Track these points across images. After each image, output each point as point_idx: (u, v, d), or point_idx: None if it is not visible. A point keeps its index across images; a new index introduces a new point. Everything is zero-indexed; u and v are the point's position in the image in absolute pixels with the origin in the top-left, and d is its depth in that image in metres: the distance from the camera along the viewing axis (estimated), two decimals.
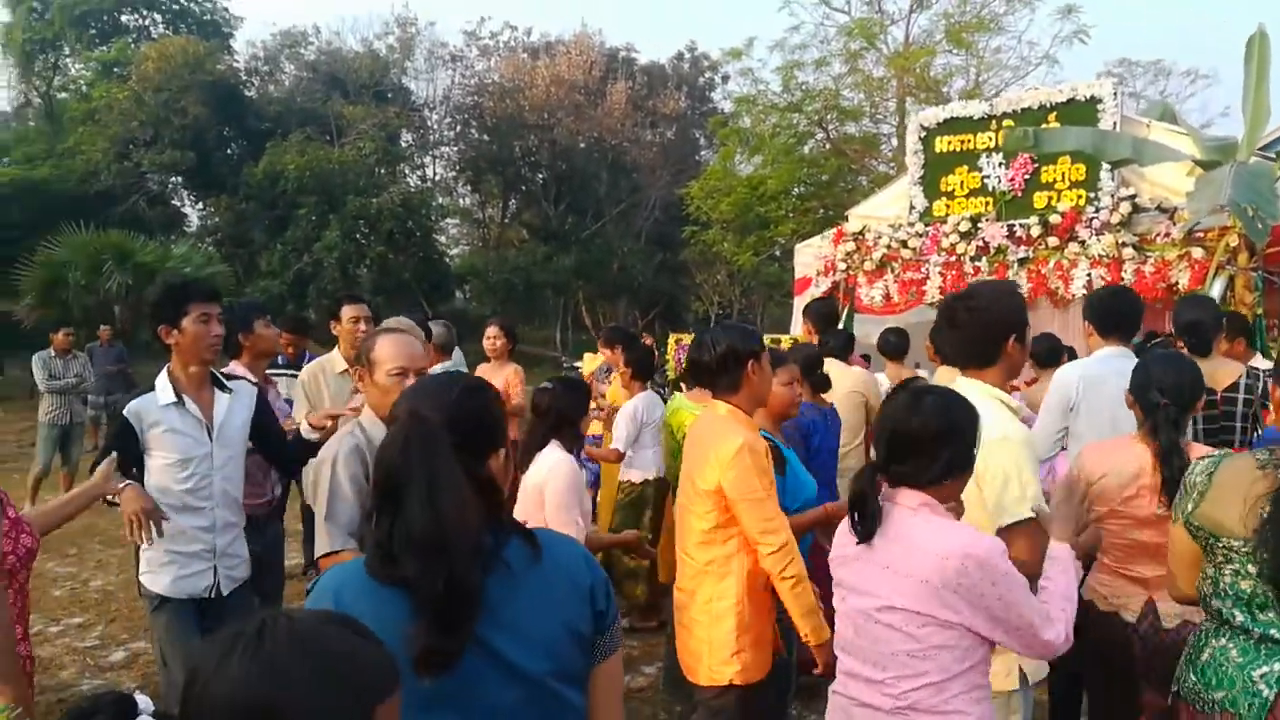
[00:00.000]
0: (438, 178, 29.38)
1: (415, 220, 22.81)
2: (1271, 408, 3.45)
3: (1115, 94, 7.28)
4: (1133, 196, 7.07)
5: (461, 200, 30.02)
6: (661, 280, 26.91)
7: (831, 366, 4.80)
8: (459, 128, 28.61)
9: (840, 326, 8.64)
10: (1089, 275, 7.08)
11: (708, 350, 2.84)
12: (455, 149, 28.87)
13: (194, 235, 23.17)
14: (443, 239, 27.73)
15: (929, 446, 2.03)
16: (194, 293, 3.16)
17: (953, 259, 7.83)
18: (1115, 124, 7.12)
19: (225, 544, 3.23)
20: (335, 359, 4.81)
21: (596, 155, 26.98)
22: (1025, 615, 1.94)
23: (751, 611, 2.80)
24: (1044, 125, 7.26)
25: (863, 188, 18.37)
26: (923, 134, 8.18)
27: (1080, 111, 7.25)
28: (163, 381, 3.15)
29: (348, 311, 4.77)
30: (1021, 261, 7.48)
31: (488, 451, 1.57)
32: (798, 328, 8.71)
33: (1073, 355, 5.44)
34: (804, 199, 19.40)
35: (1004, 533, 2.32)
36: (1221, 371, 4.10)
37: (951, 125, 8.04)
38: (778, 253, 20.07)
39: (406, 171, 27.14)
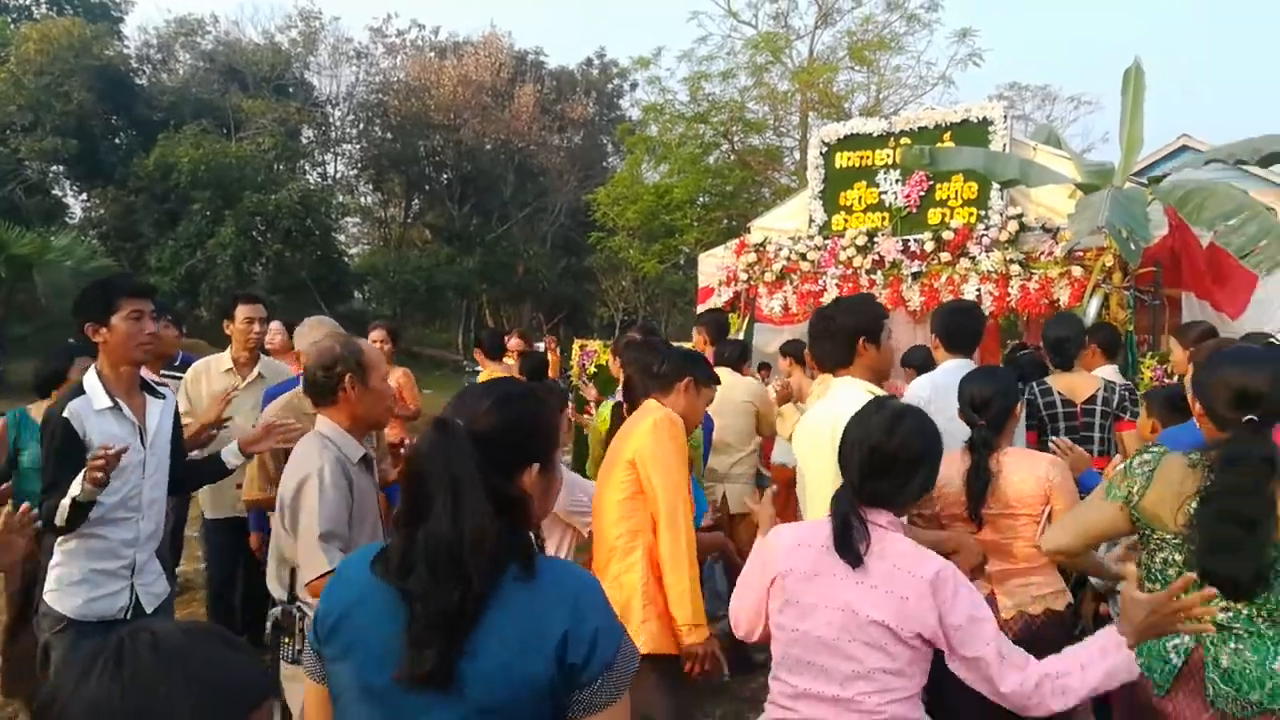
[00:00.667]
0: (339, 175, 28.72)
1: (314, 218, 22.21)
2: (1135, 419, 3.70)
3: (1005, 117, 7.57)
4: (1020, 216, 7.36)
5: (363, 199, 29.39)
6: (567, 285, 26.87)
7: (724, 376, 4.88)
8: (362, 125, 28.03)
9: (742, 336, 8.82)
10: (978, 290, 7.34)
11: (658, 362, 3.19)
12: (358, 147, 28.26)
13: (77, 227, 22.03)
14: (342, 238, 27.09)
15: (907, 468, 2.09)
16: (125, 287, 2.94)
17: (849, 272, 8.01)
18: (1005, 146, 7.40)
19: (145, 559, 3.00)
20: (223, 358, 4.67)
21: (503, 157, 26.78)
22: (989, 633, 2.00)
23: (657, 586, 2.88)
24: (939, 144, 7.51)
25: (766, 200, 18.72)
26: (823, 149, 8.36)
27: (973, 132, 7.52)
28: (93, 383, 2.91)
29: (243, 311, 4.62)
30: (915, 276, 7.70)
31: (519, 465, 1.50)
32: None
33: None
34: (709, 209, 19.66)
35: None
36: (1081, 384, 4.39)
37: (851, 141, 8.24)
38: (682, 261, 20.28)
39: (307, 168, 26.43)
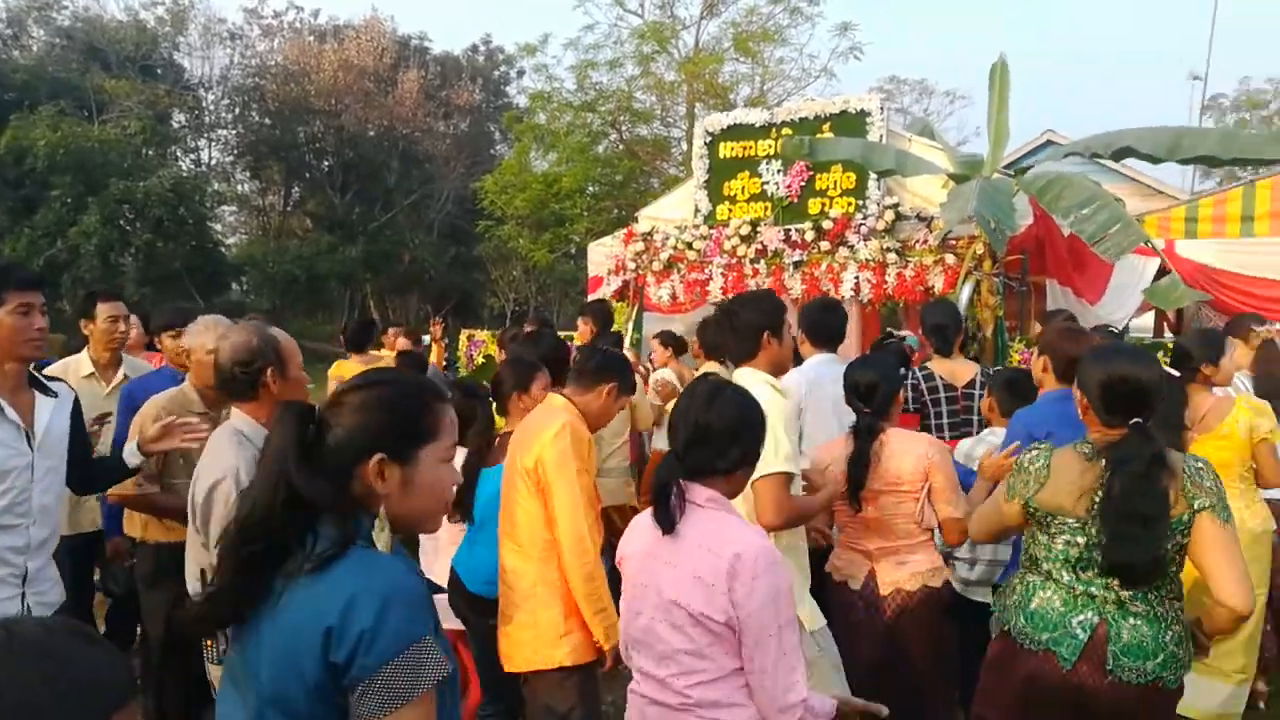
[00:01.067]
0: (214, 162, 27.54)
1: (188, 207, 21.21)
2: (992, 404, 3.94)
3: (882, 108, 7.80)
4: (896, 205, 7.61)
5: (240, 187, 28.29)
6: (455, 275, 26.45)
7: None
8: (238, 110, 26.92)
9: (632, 325, 8.88)
10: (856, 278, 7.56)
11: (594, 358, 3.18)
12: (233, 132, 27.14)
13: None
14: (219, 227, 25.99)
15: (724, 438, 2.16)
16: (11, 278, 2.70)
17: (734, 261, 8.14)
18: (882, 137, 7.63)
19: (38, 567, 2.78)
20: (82, 361, 4.35)
21: (387, 144, 26.16)
22: (770, 638, 1.98)
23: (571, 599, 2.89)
24: (818, 135, 7.69)
25: (655, 190, 18.81)
26: (707, 139, 8.46)
27: (851, 123, 7.73)
28: None
29: (105, 309, 4.33)
30: (796, 265, 7.88)
31: (356, 455, 1.48)
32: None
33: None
34: (598, 198, 19.65)
35: (757, 483, 2.71)
36: (961, 369, 4.58)
37: (734, 132, 8.36)
38: (573, 251, 20.23)
39: (178, 154, 25.25)
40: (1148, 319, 10.18)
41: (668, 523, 2.10)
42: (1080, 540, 2.51)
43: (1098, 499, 2.46)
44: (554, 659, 2.86)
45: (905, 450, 3.16)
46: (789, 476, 2.81)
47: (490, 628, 3.09)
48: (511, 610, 2.96)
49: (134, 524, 3.62)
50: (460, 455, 3.48)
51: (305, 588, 1.41)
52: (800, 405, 4.04)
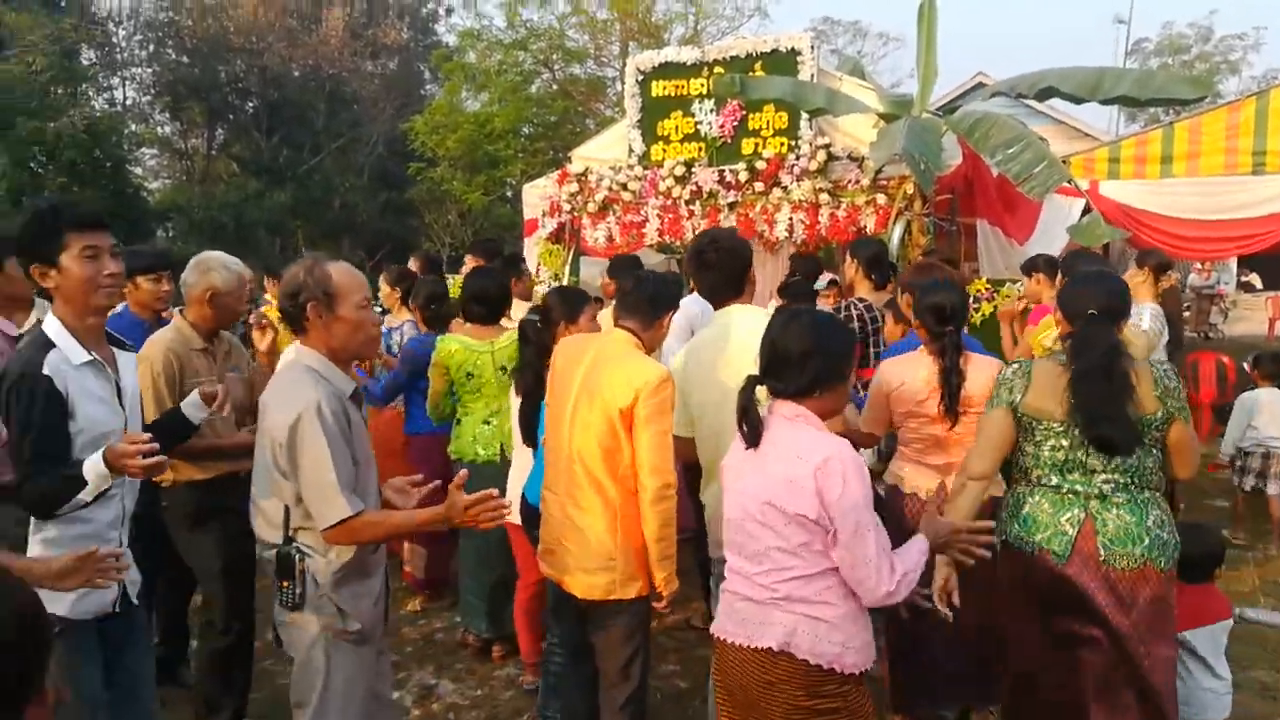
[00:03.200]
0: (130, 102, 26.35)
1: (104, 149, 20.35)
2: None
3: (813, 47, 7.78)
4: (828, 145, 7.64)
5: (160, 129, 27.15)
6: (388, 220, 25.90)
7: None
8: (152, 47, 25.72)
9: (568, 268, 8.83)
10: (790, 219, 7.61)
11: (646, 287, 3.09)
12: (149, 71, 25.95)
13: None
14: (139, 171, 25.01)
15: (798, 361, 2.28)
16: (71, 219, 2.42)
17: (669, 202, 8.12)
18: (813, 75, 7.63)
19: (127, 541, 2.60)
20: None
21: (313, 85, 25.33)
22: (867, 530, 2.16)
23: (635, 538, 2.94)
24: (750, 74, 7.66)
25: (590, 131, 18.59)
26: (639, 78, 8.36)
27: (782, 62, 7.70)
28: (61, 332, 2.43)
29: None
30: (731, 206, 7.89)
31: None
32: (532, 267, 8.74)
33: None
34: (533, 139, 19.40)
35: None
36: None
37: (666, 70, 8.27)
38: (509, 194, 19.97)
39: (91, 94, 24.10)
40: None
41: (752, 439, 2.29)
42: (1064, 443, 2.76)
43: (1070, 395, 2.70)
44: (630, 591, 2.92)
45: (979, 371, 3.35)
46: None
47: None
48: (581, 540, 2.95)
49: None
50: None
51: None
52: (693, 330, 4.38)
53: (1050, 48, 52.97)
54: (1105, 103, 6.44)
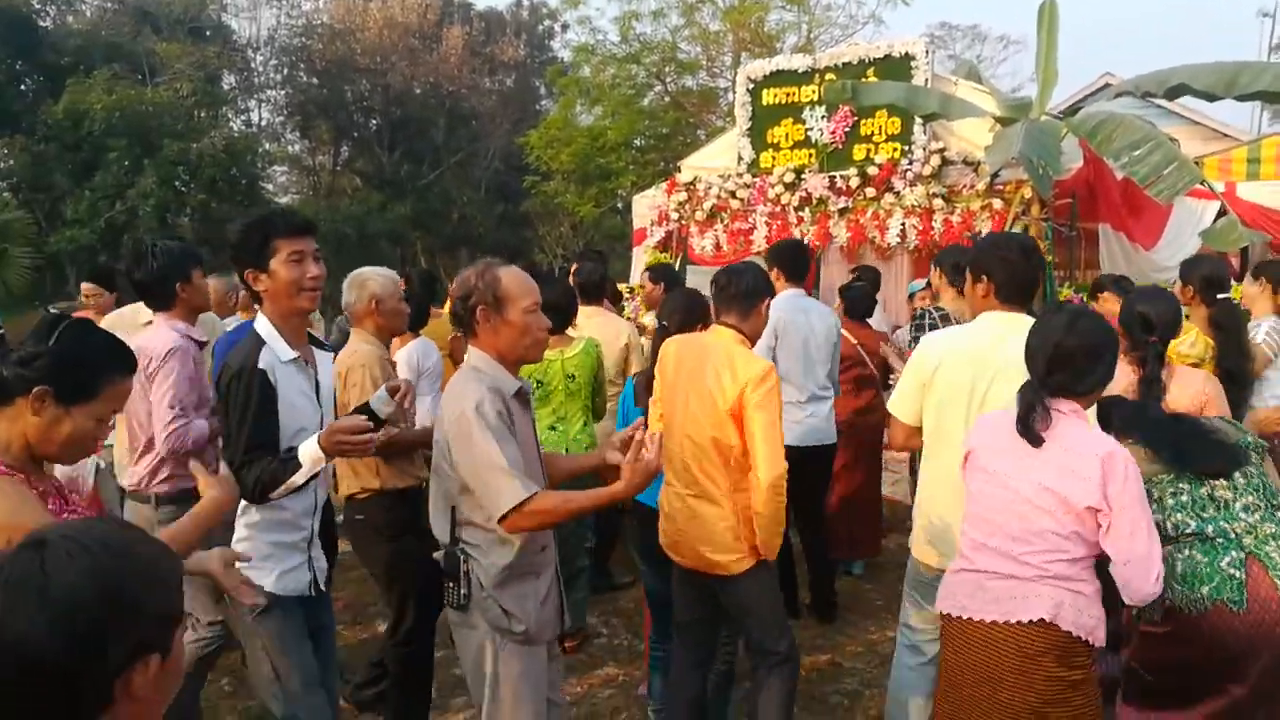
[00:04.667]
0: (264, 122, 27.83)
1: (240, 167, 21.56)
2: None
3: (927, 52, 7.65)
4: (942, 150, 7.48)
5: (290, 147, 28.55)
6: (504, 232, 26.55)
7: (599, 313, 5.20)
8: (286, 70, 27.11)
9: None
10: (903, 224, 7.48)
11: (739, 280, 3.19)
12: (282, 93, 27.36)
13: None
14: (270, 187, 26.35)
15: (1085, 362, 2.38)
16: (280, 226, 2.61)
17: (778, 209, 8.09)
18: (926, 80, 7.49)
19: (317, 530, 2.81)
20: (140, 311, 4.33)
21: (433, 102, 26.20)
22: (1142, 527, 2.27)
23: (745, 518, 3.10)
24: (862, 80, 7.57)
25: (700, 141, 18.63)
26: (750, 86, 8.36)
27: (895, 67, 7.59)
28: (270, 331, 2.62)
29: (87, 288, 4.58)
30: (842, 212, 7.81)
31: None
32: (636, 278, 8.84)
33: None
34: (644, 151, 19.56)
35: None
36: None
37: (777, 78, 8.26)
38: (619, 205, 20.18)
39: (230, 115, 25.54)
40: None
41: (1034, 439, 2.35)
42: (1183, 485, 2.69)
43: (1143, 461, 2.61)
44: (741, 566, 3.06)
45: (1185, 383, 3.35)
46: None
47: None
48: (694, 523, 3.11)
49: (362, 476, 3.56)
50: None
51: None
52: (776, 336, 4.55)
53: (1187, 47, 50.35)
54: (1242, 99, 6.12)
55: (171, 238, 3.86)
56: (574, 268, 5.93)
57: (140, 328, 4.26)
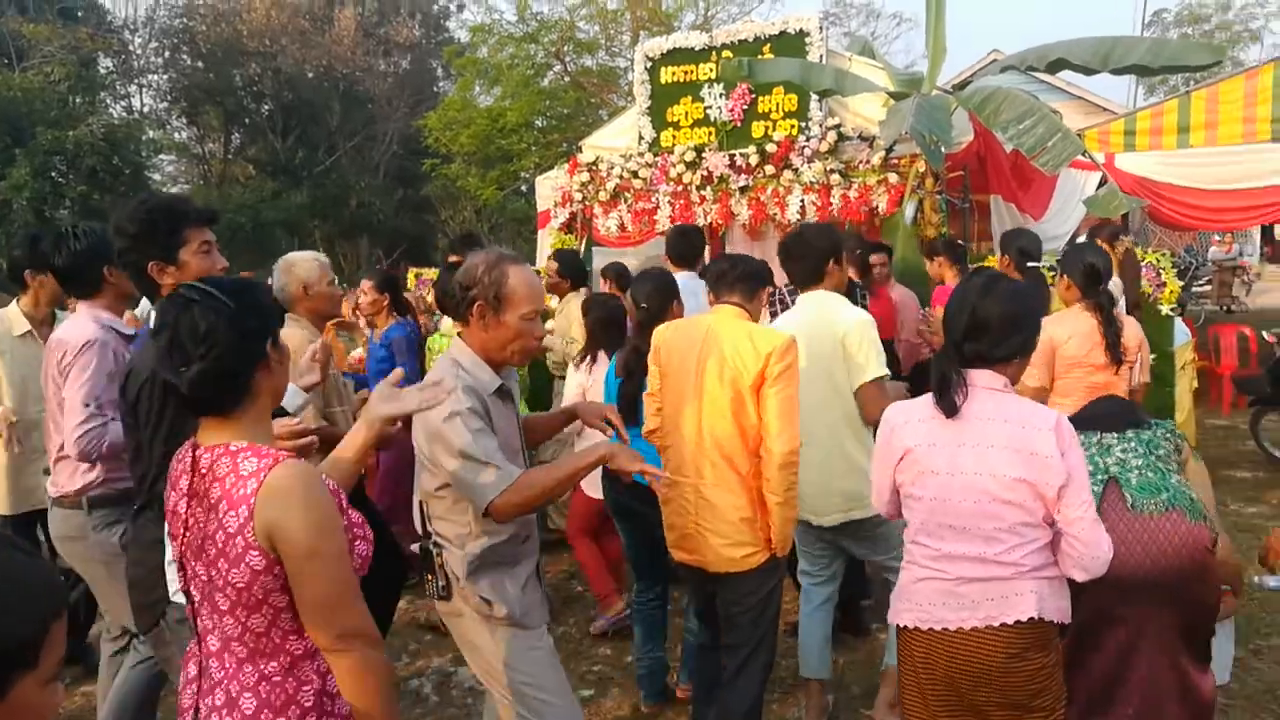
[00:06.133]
0: (147, 109, 26.58)
1: (122, 155, 20.51)
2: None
3: (821, 28, 7.75)
4: (838, 126, 7.61)
5: (177, 134, 27.36)
6: (404, 217, 26.03)
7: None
8: (168, 53, 25.90)
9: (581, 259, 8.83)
10: (802, 201, 7.59)
11: (741, 264, 3.20)
12: (165, 77, 26.13)
13: None
14: (157, 176, 25.23)
15: (1003, 327, 2.25)
16: (192, 214, 2.48)
17: (680, 189, 8.11)
18: (821, 56, 7.60)
19: None
20: (13, 317, 4.04)
21: (326, 85, 25.42)
22: (1091, 501, 2.18)
23: (760, 506, 2.99)
24: (758, 57, 7.63)
25: (603, 121, 18.55)
26: (648, 64, 8.35)
27: (790, 44, 7.68)
28: None
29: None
30: (743, 190, 7.88)
31: None
32: (542, 260, 8.76)
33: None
34: (546, 132, 19.37)
35: (867, 386, 3.23)
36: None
37: (675, 56, 8.26)
38: (523, 188, 19.98)
39: (109, 101, 24.32)
40: None
41: (949, 407, 2.23)
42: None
43: None
44: (758, 560, 2.96)
45: (1130, 327, 3.79)
46: (885, 377, 3.32)
47: (657, 517, 3.19)
48: (709, 512, 2.98)
49: None
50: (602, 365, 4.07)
51: None
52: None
53: (1070, 26, 52.30)
54: (1117, 72, 6.36)
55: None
56: (452, 259, 5.86)
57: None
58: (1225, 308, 16.44)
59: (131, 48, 25.43)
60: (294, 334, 3.41)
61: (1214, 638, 2.75)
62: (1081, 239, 9.95)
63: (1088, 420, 2.65)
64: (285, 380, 1.85)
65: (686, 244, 5.28)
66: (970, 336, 2.26)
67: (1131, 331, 3.78)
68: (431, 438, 2.37)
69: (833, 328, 3.29)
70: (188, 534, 1.70)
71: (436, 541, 2.51)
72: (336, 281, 3.66)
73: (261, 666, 1.67)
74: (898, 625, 2.39)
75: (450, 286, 2.49)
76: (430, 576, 2.51)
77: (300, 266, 3.53)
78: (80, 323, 3.14)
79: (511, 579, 2.52)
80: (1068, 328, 3.79)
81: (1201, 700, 2.53)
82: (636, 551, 3.86)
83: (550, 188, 9.54)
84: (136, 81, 26.06)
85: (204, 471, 1.67)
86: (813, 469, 3.19)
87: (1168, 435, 2.64)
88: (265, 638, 1.67)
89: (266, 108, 26.23)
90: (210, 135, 27.42)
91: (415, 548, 2.58)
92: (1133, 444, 2.63)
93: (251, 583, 1.61)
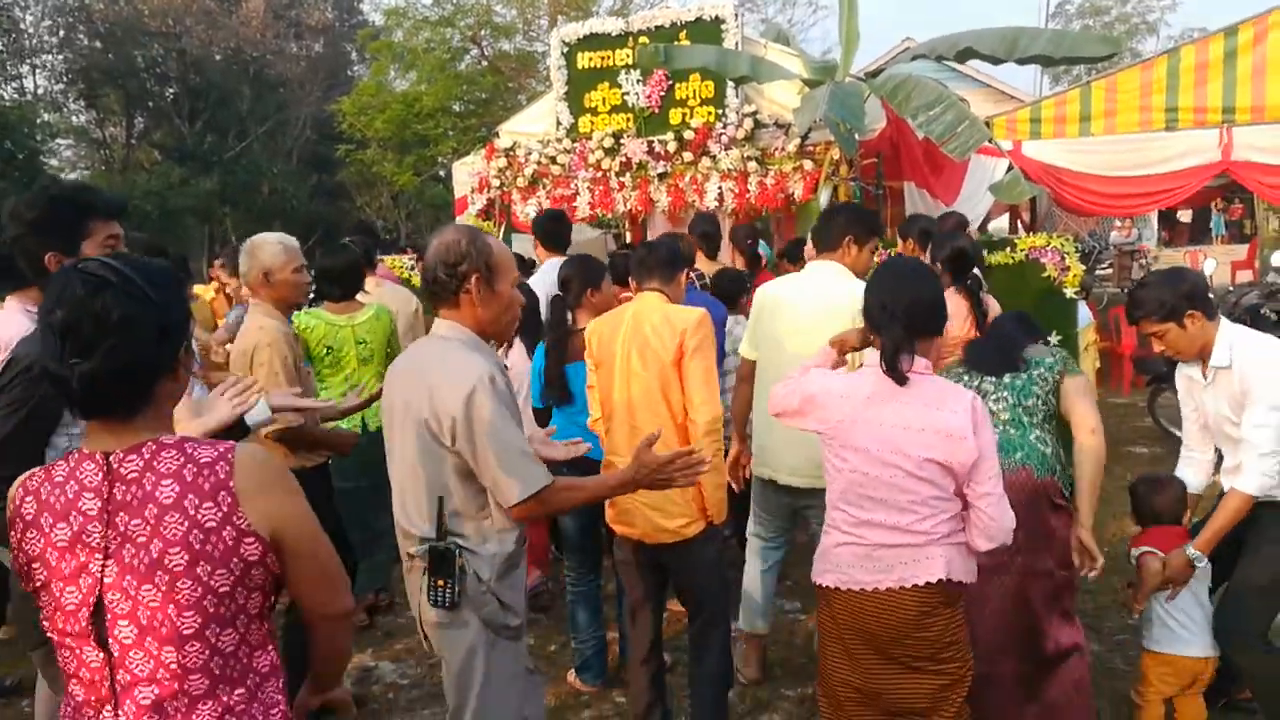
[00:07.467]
0: (41, 91, 25.38)
1: (15, 140, 19.59)
2: None
3: (736, 15, 7.78)
4: (755, 113, 7.65)
5: (75, 117, 26.22)
6: (319, 204, 25.44)
7: None
8: (62, 32, 24.73)
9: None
10: (720, 188, 7.62)
11: (657, 250, 3.30)
12: (60, 57, 24.98)
13: None
14: (54, 162, 24.16)
15: (938, 308, 2.50)
16: (100, 206, 2.34)
17: (599, 175, 8.07)
18: (737, 43, 7.63)
19: None
20: None
21: (235, 69, 24.64)
22: (999, 476, 2.38)
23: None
24: (674, 43, 7.62)
25: (521, 106, 18.38)
26: (564, 49, 8.28)
27: (706, 30, 7.69)
28: None
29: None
30: (661, 176, 7.88)
31: None
32: None
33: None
34: (463, 117, 19.14)
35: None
36: None
37: (591, 41, 8.20)
38: (441, 174, 19.69)
39: None
40: (1004, 220, 10.65)
41: (901, 379, 2.38)
42: (964, 377, 3.18)
43: None
44: (695, 529, 3.07)
45: (992, 306, 4.08)
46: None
47: None
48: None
49: None
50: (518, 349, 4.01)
51: None
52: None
53: (981, 16, 53.50)
54: (1022, 62, 6.54)
55: None
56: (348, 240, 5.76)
57: None
58: (1125, 290, 17.11)
59: (22, 25, 24.19)
60: (267, 327, 3.32)
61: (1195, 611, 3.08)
62: (995, 223, 10.26)
63: (974, 363, 3.15)
64: (185, 387, 1.63)
65: (542, 228, 5.47)
66: (915, 316, 2.43)
67: (996, 310, 4.07)
68: (470, 416, 2.19)
69: (839, 297, 3.39)
70: (117, 565, 1.41)
71: (456, 542, 2.28)
72: (305, 268, 3.48)
73: (224, 698, 1.47)
74: (820, 585, 2.56)
75: (428, 273, 2.36)
76: (441, 581, 2.26)
77: (264, 250, 3.34)
78: (10, 317, 2.90)
79: (521, 581, 2.43)
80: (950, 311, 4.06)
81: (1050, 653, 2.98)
82: (575, 534, 3.86)
83: (467, 174, 9.39)
84: (29, 61, 24.82)
85: (132, 477, 1.42)
86: (764, 431, 3.49)
87: (1044, 375, 3.05)
88: (233, 658, 1.48)
89: (171, 91, 25.32)
90: (111, 119, 26.33)
91: (414, 550, 2.33)
92: (1005, 393, 3.07)
93: (241, 579, 1.45)
